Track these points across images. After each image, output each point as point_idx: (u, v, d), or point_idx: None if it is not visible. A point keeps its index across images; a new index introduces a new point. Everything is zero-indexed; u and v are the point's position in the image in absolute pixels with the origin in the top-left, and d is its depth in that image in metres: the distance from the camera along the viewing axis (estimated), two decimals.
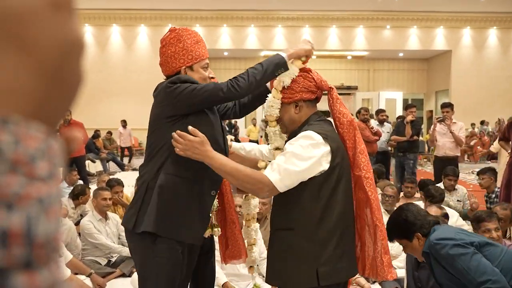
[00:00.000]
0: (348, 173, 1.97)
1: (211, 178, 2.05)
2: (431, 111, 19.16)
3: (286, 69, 2.02)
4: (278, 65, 2.01)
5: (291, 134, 2.00)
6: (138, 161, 13.54)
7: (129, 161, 13.78)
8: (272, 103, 2.03)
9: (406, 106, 8.05)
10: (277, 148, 2.11)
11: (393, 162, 8.49)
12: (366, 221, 2.02)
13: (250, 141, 13.82)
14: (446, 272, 2.45)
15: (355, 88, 19.83)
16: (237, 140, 15.42)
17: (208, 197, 2.09)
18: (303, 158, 1.82)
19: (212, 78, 2.18)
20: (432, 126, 7.20)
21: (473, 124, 16.02)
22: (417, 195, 5.99)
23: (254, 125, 16.03)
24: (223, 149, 2.15)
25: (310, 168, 1.83)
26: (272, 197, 1.97)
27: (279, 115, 2.04)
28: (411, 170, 7.85)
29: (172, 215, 2.02)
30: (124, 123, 14.19)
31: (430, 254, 2.49)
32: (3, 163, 0.27)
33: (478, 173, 5.81)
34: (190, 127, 1.93)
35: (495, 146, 7.14)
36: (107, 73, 17.00)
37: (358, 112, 8.36)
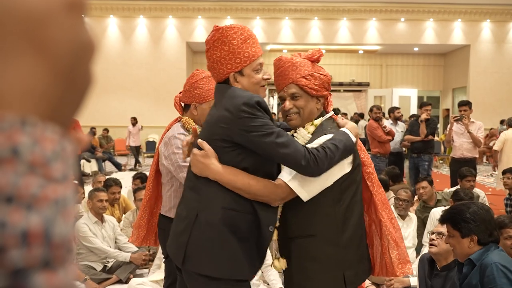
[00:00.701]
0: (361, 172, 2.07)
1: (267, 212, 1.93)
2: (447, 110, 19.11)
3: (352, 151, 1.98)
4: (348, 149, 1.94)
5: (313, 136, 2.01)
6: (144, 163, 13.57)
7: (138, 164, 13.48)
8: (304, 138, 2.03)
9: (421, 104, 8.03)
10: None
11: (406, 163, 8.47)
12: (372, 218, 2.12)
13: None
14: None
15: (367, 84, 19.79)
16: None
17: (267, 233, 1.93)
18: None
19: (267, 79, 2.00)
20: (449, 126, 7.19)
21: (491, 129, 15.97)
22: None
23: None
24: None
25: (334, 173, 1.92)
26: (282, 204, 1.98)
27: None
28: (426, 172, 7.83)
29: (231, 254, 1.89)
30: (134, 121, 13.85)
31: (479, 269, 2.45)
32: (22, 164, 0.30)
33: (504, 172, 5.82)
34: (199, 140, 1.92)
35: (498, 145, 7.10)
36: (103, 67, 17.03)
37: (370, 110, 8.35)
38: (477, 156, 7.01)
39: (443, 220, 2.60)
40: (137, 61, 17.09)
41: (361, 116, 15.23)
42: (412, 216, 4.83)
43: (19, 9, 0.31)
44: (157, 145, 3.12)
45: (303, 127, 2.03)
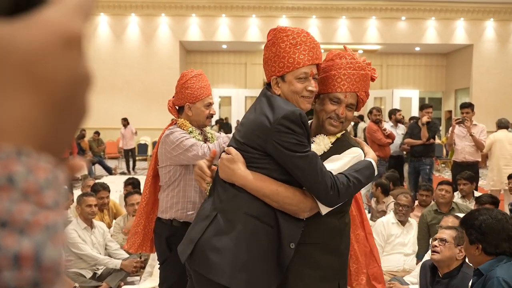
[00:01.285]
0: None
1: (291, 227, 1.91)
2: (450, 112, 19.20)
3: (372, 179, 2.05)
4: (368, 182, 2.01)
5: (336, 146, 2.04)
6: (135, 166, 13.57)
7: (133, 168, 13.31)
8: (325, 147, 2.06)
9: (422, 106, 8.07)
10: None
11: (406, 167, 8.52)
12: None
13: None
14: None
15: None
16: None
17: (287, 249, 1.90)
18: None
19: (311, 91, 1.95)
20: (450, 128, 7.23)
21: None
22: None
23: None
24: None
25: None
26: None
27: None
28: (427, 177, 7.88)
29: (244, 265, 1.87)
30: (125, 122, 13.48)
31: (483, 281, 2.47)
32: (17, 192, 0.32)
33: (510, 177, 5.87)
34: (226, 148, 1.97)
35: (486, 148, 7.14)
36: (94, 67, 16.99)
37: (370, 112, 8.39)
38: (479, 159, 7.05)
39: (460, 222, 2.67)
40: (128, 60, 17.10)
41: (361, 118, 15.26)
42: (412, 222, 4.86)
43: (17, 46, 0.34)
44: (153, 149, 3.15)
45: (327, 136, 2.05)
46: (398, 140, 8.17)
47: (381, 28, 17.49)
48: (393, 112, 8.66)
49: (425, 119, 7.65)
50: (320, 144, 2.02)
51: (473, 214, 2.63)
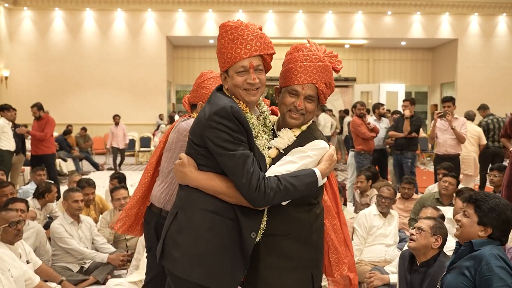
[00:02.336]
0: None
1: (250, 218, 1.95)
2: (435, 105, 19.41)
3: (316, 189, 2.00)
4: (308, 191, 1.97)
5: (300, 139, 2.07)
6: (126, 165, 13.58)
7: (119, 165, 13.11)
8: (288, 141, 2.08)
9: (403, 101, 8.22)
10: (277, 148, 2.10)
11: (391, 161, 8.64)
12: None
13: None
14: (462, 283, 2.52)
15: (353, 79, 20.02)
16: None
17: (248, 239, 1.95)
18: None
19: (251, 84, 1.98)
20: (432, 122, 7.35)
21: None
22: (415, 196, 6.16)
23: None
24: None
25: None
26: None
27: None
28: (409, 170, 7.99)
29: (207, 259, 1.92)
30: (118, 119, 13.05)
31: (476, 257, 2.51)
32: None
33: (492, 169, 6.00)
34: (181, 154, 2.01)
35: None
36: (80, 63, 16.97)
37: (354, 106, 8.49)
38: (460, 152, 7.19)
39: (468, 200, 2.66)
40: (115, 56, 17.05)
41: (346, 112, 15.41)
42: (394, 214, 4.97)
43: None
44: (161, 138, 3.18)
45: (291, 129, 2.08)
46: (381, 134, 8.28)
47: (368, 23, 17.61)
48: (376, 106, 8.78)
49: (407, 112, 7.78)
50: (283, 137, 2.06)
51: (491, 198, 2.64)
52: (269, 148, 2.07)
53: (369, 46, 19.55)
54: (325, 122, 14.27)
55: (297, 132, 2.08)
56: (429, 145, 13.94)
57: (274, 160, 2.03)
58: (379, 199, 4.92)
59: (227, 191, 1.90)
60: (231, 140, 1.85)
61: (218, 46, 2.01)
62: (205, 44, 18.84)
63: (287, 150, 2.03)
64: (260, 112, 2.14)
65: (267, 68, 2.06)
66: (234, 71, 1.97)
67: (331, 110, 16.88)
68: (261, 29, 2.06)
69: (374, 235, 4.81)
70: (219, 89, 2.07)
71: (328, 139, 13.92)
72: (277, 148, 2.06)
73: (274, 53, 2.05)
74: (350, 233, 4.81)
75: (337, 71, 2.11)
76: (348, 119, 13.66)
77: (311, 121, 2.13)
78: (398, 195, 6.02)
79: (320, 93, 2.05)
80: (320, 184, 1.97)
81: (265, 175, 1.88)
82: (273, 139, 2.11)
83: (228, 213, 1.94)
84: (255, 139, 2.00)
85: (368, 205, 5.92)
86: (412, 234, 3.31)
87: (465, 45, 17.83)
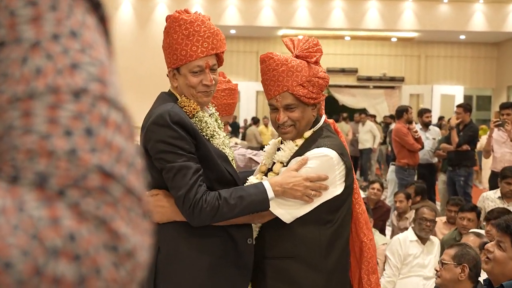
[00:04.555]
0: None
1: (239, 226, 2.10)
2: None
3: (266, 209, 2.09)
4: (259, 208, 2.06)
5: (302, 148, 2.20)
6: None
7: None
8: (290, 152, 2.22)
9: (457, 106, 8.23)
10: (281, 162, 2.24)
11: (442, 178, 8.63)
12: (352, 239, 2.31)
13: (261, 148, 14.09)
14: None
15: (401, 80, 19.97)
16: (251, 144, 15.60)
17: (245, 246, 2.11)
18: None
19: (206, 85, 2.12)
20: (488, 133, 7.32)
21: None
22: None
23: (266, 125, 16.24)
24: (235, 181, 2.20)
25: (324, 195, 2.10)
26: None
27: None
28: (462, 190, 7.96)
29: (202, 274, 2.07)
30: None
31: None
32: None
33: (504, 177, 5.94)
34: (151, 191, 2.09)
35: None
36: None
37: (402, 110, 8.46)
38: None
39: (505, 229, 2.63)
40: (119, 47, 17.34)
41: (393, 117, 15.36)
42: (434, 240, 4.99)
43: None
44: None
45: (293, 140, 2.20)
46: (427, 146, 8.30)
47: (419, 13, 17.51)
48: (420, 113, 8.80)
49: (453, 120, 7.77)
50: (285, 150, 2.21)
51: None
52: (273, 163, 2.23)
53: (420, 40, 19.46)
54: (373, 132, 14.24)
55: (300, 141, 2.20)
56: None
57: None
58: (421, 221, 4.93)
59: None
60: (171, 150, 1.98)
61: (167, 40, 2.13)
62: (226, 35, 18.65)
63: (289, 162, 2.16)
64: (211, 114, 2.28)
65: (220, 65, 2.22)
66: (188, 70, 2.10)
67: (374, 116, 16.87)
68: (209, 19, 2.20)
69: (410, 265, 4.85)
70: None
71: (368, 153, 14.09)
72: (280, 162, 2.20)
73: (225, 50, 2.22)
74: (381, 262, 4.88)
75: (315, 62, 2.21)
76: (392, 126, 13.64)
77: (317, 126, 2.24)
78: (444, 219, 6.03)
79: (299, 96, 2.14)
80: (270, 197, 2.02)
81: (206, 190, 1.99)
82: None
83: (213, 231, 2.06)
84: (211, 139, 2.14)
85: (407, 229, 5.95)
86: (436, 270, 3.35)
87: None
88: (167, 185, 2.02)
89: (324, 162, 2.10)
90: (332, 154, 2.11)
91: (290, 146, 2.20)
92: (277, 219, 2.09)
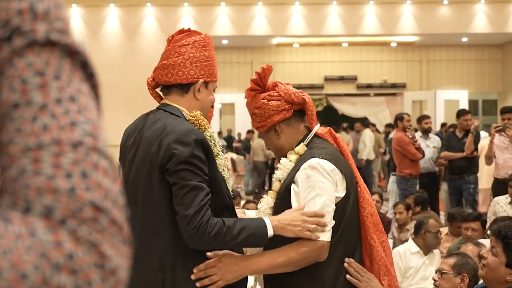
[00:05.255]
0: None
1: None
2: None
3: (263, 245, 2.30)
4: (258, 242, 2.26)
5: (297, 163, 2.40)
6: None
7: None
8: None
9: (459, 113, 8.30)
10: (279, 180, 2.47)
11: (444, 187, 8.71)
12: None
13: (253, 162, 14.18)
14: None
15: (403, 86, 20.11)
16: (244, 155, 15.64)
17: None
18: (319, 194, 2.26)
19: (212, 106, 2.48)
20: (489, 138, 7.35)
21: None
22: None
23: None
24: (232, 206, 2.39)
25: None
26: None
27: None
28: (471, 198, 8.02)
29: None
30: None
31: None
32: None
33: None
34: (209, 253, 2.20)
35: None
36: None
37: (397, 119, 8.58)
38: None
39: (497, 234, 2.70)
40: (106, 62, 17.36)
41: (391, 127, 15.45)
42: (435, 251, 5.09)
43: None
44: None
45: (286, 157, 2.45)
46: (429, 154, 8.37)
47: (418, 16, 17.62)
48: (419, 120, 8.87)
49: (473, 127, 7.79)
50: (282, 168, 2.43)
51: None
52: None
53: (421, 44, 19.63)
54: (371, 143, 14.29)
55: (294, 157, 2.41)
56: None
57: (279, 194, 2.38)
58: (435, 235, 5.01)
59: (289, 260, 2.22)
60: (189, 169, 2.11)
61: (205, 53, 2.31)
62: (217, 45, 19.13)
63: (288, 178, 2.36)
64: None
65: None
66: (212, 88, 2.36)
67: (374, 125, 16.93)
68: None
69: (411, 278, 4.93)
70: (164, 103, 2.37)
71: (370, 165, 14.15)
72: (279, 180, 2.42)
73: None
74: None
75: (253, 82, 2.48)
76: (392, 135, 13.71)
77: (307, 140, 2.43)
78: (446, 229, 6.11)
79: (265, 118, 2.44)
80: (269, 234, 2.18)
81: (211, 215, 2.12)
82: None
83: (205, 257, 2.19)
84: (216, 158, 2.30)
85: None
86: (435, 280, 3.43)
87: None
88: (174, 201, 2.12)
89: (315, 171, 2.27)
90: (323, 162, 2.28)
91: (284, 163, 2.42)
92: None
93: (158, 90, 2.44)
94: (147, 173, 2.16)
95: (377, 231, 2.42)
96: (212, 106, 2.47)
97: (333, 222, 2.26)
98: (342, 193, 2.32)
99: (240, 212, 2.65)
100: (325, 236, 2.23)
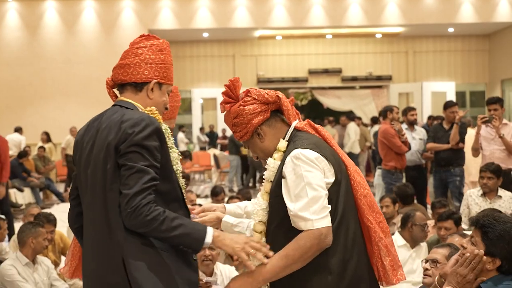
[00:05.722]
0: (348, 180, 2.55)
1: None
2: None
3: (197, 251, 2.41)
4: (192, 244, 2.32)
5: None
6: None
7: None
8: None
9: (445, 105, 8.37)
10: (270, 181, 2.58)
11: (431, 180, 8.77)
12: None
13: (241, 156, 14.12)
14: None
15: (388, 78, 20.23)
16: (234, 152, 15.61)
17: (191, 265, 2.44)
18: (308, 183, 2.36)
19: (166, 109, 2.62)
20: (475, 129, 7.33)
21: None
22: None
23: None
24: (183, 199, 2.52)
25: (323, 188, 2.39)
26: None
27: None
28: (457, 190, 8.06)
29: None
30: (74, 130, 14.05)
31: None
32: None
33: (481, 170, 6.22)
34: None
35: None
36: (40, 67, 17.15)
37: (386, 110, 8.64)
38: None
39: (475, 223, 2.75)
40: (83, 57, 17.28)
41: (374, 121, 15.47)
42: (423, 245, 5.17)
43: None
44: None
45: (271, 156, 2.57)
46: (415, 147, 8.44)
47: (404, 6, 17.65)
48: (405, 112, 8.93)
49: (458, 117, 7.80)
50: (270, 168, 2.55)
51: (498, 222, 2.71)
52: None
53: (407, 35, 19.73)
54: (356, 136, 14.35)
55: (278, 156, 2.54)
56: None
57: (271, 193, 2.50)
58: (422, 228, 5.10)
59: (289, 262, 2.34)
60: (140, 152, 2.28)
61: (162, 57, 2.53)
62: (198, 39, 19.16)
63: (277, 175, 2.49)
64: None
65: None
66: (166, 90, 2.57)
67: (360, 118, 17.01)
68: None
69: None
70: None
71: (355, 159, 14.19)
72: (270, 181, 2.55)
73: None
74: None
75: (224, 95, 2.66)
76: (376, 128, 13.71)
77: (287, 136, 2.57)
78: (431, 222, 6.20)
79: (237, 134, 2.63)
80: (207, 241, 2.30)
81: (154, 201, 2.23)
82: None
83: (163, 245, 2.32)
84: (170, 151, 2.46)
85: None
86: (426, 269, 3.51)
87: None
88: (120, 181, 2.26)
89: (300, 161, 2.39)
90: (306, 152, 2.40)
91: (271, 163, 2.55)
92: (282, 223, 2.43)
93: (115, 90, 2.62)
94: (103, 158, 2.32)
95: (373, 212, 2.51)
96: (166, 108, 2.60)
97: (329, 207, 2.35)
98: (332, 178, 2.41)
99: (220, 207, 2.82)
100: (321, 222, 2.31)
